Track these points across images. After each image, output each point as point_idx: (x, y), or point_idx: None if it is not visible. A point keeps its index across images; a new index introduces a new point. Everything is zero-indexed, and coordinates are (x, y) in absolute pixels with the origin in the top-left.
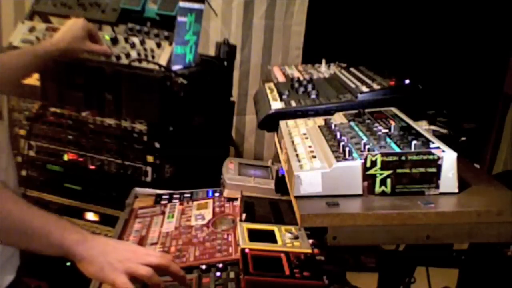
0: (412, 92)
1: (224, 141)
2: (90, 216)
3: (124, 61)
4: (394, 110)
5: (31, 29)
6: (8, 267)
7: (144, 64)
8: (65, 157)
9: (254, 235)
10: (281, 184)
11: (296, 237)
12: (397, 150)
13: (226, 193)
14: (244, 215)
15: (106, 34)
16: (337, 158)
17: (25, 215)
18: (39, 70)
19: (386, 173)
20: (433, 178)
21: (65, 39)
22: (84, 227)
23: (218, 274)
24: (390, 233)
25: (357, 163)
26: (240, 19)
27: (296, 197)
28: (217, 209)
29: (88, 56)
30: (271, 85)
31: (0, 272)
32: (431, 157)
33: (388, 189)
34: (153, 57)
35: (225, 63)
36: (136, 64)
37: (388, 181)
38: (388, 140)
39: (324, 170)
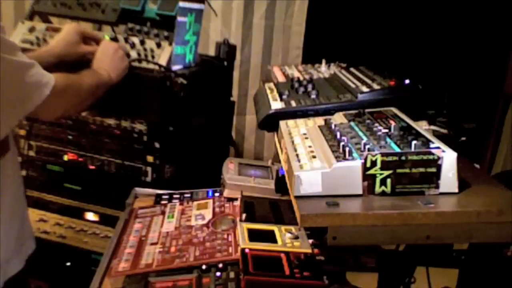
0: (412, 92)
1: (224, 141)
2: (90, 216)
3: None
4: (394, 110)
5: (31, 29)
6: (15, 259)
7: (144, 64)
8: (65, 157)
9: (254, 235)
10: (281, 184)
11: (296, 237)
12: (397, 150)
13: (226, 193)
14: (244, 215)
15: (106, 34)
16: (337, 158)
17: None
18: None
19: (386, 173)
20: (433, 178)
21: (59, 45)
22: (84, 227)
23: (218, 274)
24: (390, 233)
25: (357, 163)
26: (240, 19)
27: (296, 197)
28: (217, 209)
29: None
30: (271, 85)
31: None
32: (431, 157)
33: (388, 189)
34: (153, 57)
35: (225, 63)
36: (136, 64)
37: (388, 181)
38: (388, 140)
39: (324, 170)
